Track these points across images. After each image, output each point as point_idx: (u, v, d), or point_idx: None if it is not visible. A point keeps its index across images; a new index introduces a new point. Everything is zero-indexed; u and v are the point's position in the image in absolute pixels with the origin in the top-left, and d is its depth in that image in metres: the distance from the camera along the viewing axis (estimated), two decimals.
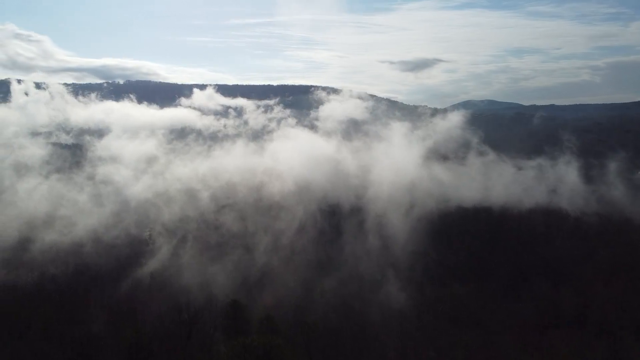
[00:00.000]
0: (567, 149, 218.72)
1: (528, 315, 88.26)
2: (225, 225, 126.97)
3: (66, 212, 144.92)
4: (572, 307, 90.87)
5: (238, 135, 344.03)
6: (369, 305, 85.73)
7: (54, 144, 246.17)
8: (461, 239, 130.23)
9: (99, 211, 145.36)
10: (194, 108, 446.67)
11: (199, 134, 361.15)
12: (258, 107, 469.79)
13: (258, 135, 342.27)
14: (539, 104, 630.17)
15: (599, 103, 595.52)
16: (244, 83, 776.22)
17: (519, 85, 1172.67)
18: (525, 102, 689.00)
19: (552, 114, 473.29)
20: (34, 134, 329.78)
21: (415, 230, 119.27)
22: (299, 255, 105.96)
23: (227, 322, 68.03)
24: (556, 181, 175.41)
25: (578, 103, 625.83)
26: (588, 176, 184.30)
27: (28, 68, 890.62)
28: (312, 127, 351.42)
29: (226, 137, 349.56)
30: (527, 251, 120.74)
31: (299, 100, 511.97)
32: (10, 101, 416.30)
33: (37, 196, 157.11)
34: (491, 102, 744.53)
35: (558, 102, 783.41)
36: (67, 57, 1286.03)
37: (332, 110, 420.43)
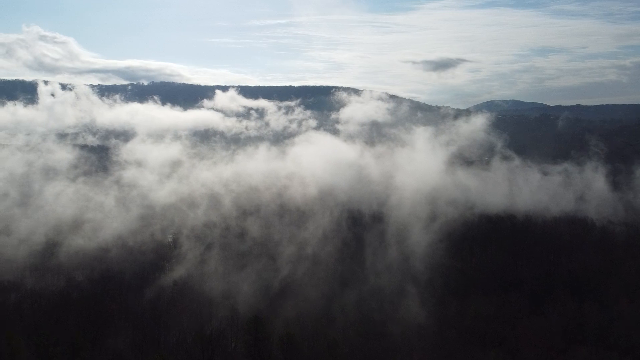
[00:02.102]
0: (594, 154, 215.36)
1: (552, 331, 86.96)
2: (248, 232, 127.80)
3: (92, 216, 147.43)
4: (597, 322, 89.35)
5: (260, 138, 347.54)
6: (390, 319, 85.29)
7: (81, 146, 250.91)
8: (484, 248, 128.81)
9: (124, 216, 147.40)
10: (217, 110, 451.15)
11: (221, 136, 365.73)
12: (279, 108, 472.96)
13: (279, 138, 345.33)
14: (564, 104, 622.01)
15: (626, 104, 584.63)
16: (266, 84, 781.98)
17: (544, 85, 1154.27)
18: (551, 102, 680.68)
19: (578, 115, 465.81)
20: (61, 135, 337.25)
21: (437, 240, 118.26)
22: (321, 266, 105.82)
23: (248, 338, 68.41)
24: (582, 187, 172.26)
25: (604, 103, 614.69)
26: (615, 182, 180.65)
27: (54, 69, 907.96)
28: (334, 129, 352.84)
29: (248, 139, 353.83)
30: (551, 262, 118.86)
31: (320, 101, 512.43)
32: (37, 102, 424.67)
33: (64, 200, 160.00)
34: (516, 102, 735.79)
35: (584, 102, 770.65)
36: (92, 59, 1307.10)
37: (354, 112, 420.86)
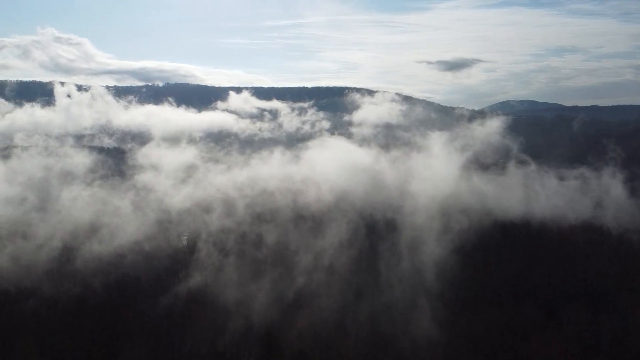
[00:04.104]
0: (610, 158, 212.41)
1: (566, 342, 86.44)
2: (263, 239, 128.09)
3: (108, 221, 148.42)
4: (612, 333, 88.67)
5: (273, 140, 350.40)
6: (402, 330, 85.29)
7: (98, 150, 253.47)
8: (499, 256, 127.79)
9: (140, 221, 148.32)
10: (231, 111, 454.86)
11: (235, 137, 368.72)
12: (293, 109, 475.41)
13: (292, 139, 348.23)
14: (580, 105, 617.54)
15: None
16: (279, 85, 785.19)
17: (559, 85, 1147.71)
18: (567, 103, 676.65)
19: (595, 117, 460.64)
20: (78, 137, 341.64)
21: (452, 248, 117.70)
22: (335, 276, 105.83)
23: (261, 351, 69.00)
24: (599, 193, 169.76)
25: (621, 104, 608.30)
26: (633, 188, 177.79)
27: (69, 70, 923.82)
28: (347, 132, 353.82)
29: (262, 141, 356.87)
30: (567, 271, 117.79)
31: (333, 102, 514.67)
32: (54, 104, 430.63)
33: (81, 204, 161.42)
34: (531, 103, 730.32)
35: (600, 102, 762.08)
36: (107, 60, 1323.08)
37: (367, 114, 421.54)
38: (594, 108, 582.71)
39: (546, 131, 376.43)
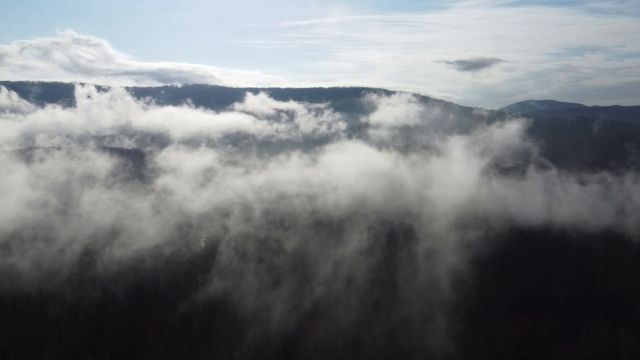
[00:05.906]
0: (632, 163, 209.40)
1: (584, 357, 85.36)
2: (281, 246, 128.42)
3: (128, 226, 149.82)
4: (630, 349, 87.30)
5: (290, 141, 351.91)
6: (419, 343, 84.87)
7: (119, 152, 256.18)
8: (517, 264, 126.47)
9: (159, 225, 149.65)
10: (248, 112, 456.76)
11: (253, 139, 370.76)
12: (309, 110, 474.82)
13: (309, 141, 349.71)
14: (601, 105, 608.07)
15: None
16: (297, 85, 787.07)
17: (580, 84, 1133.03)
18: (587, 103, 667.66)
19: (616, 118, 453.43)
20: (99, 138, 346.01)
21: (471, 257, 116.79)
22: (352, 286, 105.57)
23: None
24: (620, 199, 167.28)
25: None
26: None
27: (89, 71, 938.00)
28: (364, 134, 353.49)
29: (279, 142, 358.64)
30: (585, 281, 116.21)
31: (350, 103, 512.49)
32: (75, 105, 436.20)
33: (102, 208, 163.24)
34: (551, 103, 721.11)
35: (622, 102, 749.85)
36: (126, 61, 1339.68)
37: (385, 115, 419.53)
38: (616, 108, 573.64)
39: (566, 133, 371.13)
